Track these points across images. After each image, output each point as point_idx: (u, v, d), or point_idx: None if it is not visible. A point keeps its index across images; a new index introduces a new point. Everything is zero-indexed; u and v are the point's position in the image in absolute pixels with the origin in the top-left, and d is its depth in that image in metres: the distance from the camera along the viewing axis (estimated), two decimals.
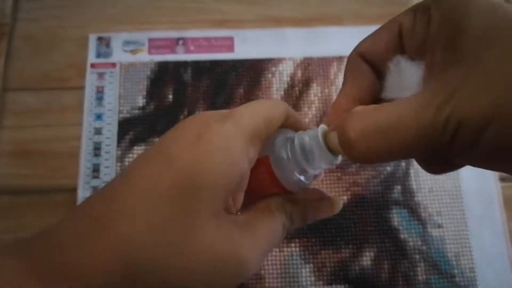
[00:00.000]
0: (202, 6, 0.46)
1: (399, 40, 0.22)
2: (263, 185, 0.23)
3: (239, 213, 0.22)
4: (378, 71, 0.23)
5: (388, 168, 0.41)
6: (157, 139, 0.40)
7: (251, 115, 0.22)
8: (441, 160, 0.22)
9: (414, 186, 0.41)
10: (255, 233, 0.21)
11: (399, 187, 0.41)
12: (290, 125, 0.24)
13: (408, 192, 0.41)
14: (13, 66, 0.44)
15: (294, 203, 0.24)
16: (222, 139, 0.20)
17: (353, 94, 0.23)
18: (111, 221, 0.18)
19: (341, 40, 0.45)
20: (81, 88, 0.43)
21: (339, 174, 0.41)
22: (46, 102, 0.43)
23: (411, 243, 0.39)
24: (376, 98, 0.23)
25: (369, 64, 0.23)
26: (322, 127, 0.23)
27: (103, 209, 0.19)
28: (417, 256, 0.39)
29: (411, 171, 0.41)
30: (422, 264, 0.39)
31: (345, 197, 0.40)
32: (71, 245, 0.18)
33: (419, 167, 0.40)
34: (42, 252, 0.18)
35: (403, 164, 0.41)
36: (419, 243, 0.39)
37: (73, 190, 0.40)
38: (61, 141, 0.41)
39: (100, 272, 0.18)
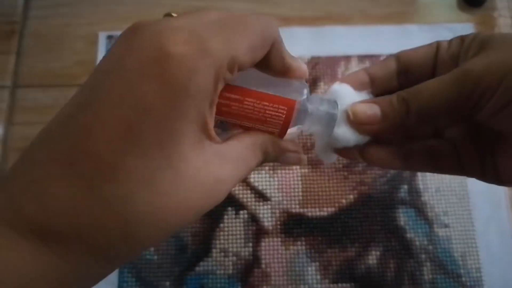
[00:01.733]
0: (210, 5, 0.46)
1: (435, 52, 0.26)
2: (272, 122, 0.23)
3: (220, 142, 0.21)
4: (406, 73, 0.27)
5: None
6: None
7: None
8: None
9: (421, 186, 0.41)
10: (237, 168, 0.21)
11: (405, 186, 0.41)
12: (274, 54, 0.22)
13: (414, 192, 0.41)
14: (23, 63, 0.44)
15: (275, 147, 0.24)
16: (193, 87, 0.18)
17: (372, 73, 0.27)
18: (102, 182, 0.17)
19: (349, 39, 0.45)
20: None
21: (345, 173, 0.41)
22: (55, 99, 0.43)
23: (417, 243, 0.39)
24: (383, 90, 0.27)
25: (400, 66, 0.27)
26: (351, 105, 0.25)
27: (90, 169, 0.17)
28: (423, 256, 0.39)
29: None
30: (428, 263, 0.39)
31: (351, 196, 0.40)
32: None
33: None
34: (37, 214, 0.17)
35: None
36: (426, 242, 0.39)
37: None
38: None
39: (100, 229, 0.17)
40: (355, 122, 0.24)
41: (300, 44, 0.45)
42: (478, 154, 0.26)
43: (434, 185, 0.41)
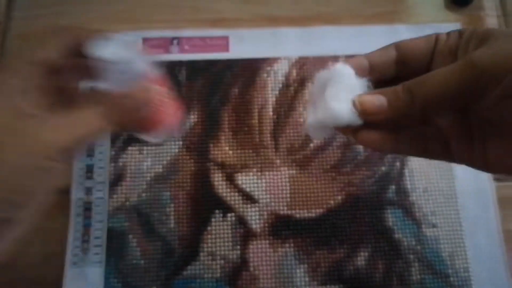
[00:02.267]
0: (197, 5, 0.46)
1: (434, 44, 0.27)
2: None
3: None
4: (403, 62, 0.28)
5: (383, 168, 0.41)
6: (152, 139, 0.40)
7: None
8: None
9: (409, 186, 0.41)
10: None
11: (393, 186, 0.41)
12: None
13: (402, 192, 0.41)
14: None
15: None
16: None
17: (372, 59, 0.28)
18: None
19: (338, 39, 0.45)
20: None
21: (333, 174, 0.41)
22: None
23: (405, 243, 0.39)
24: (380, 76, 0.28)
25: (399, 55, 0.28)
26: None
27: None
28: (412, 256, 0.39)
29: (406, 171, 0.41)
30: (416, 264, 0.39)
31: (339, 197, 0.40)
32: None
33: (413, 166, 0.41)
34: None
35: (398, 164, 0.41)
36: (414, 243, 0.39)
37: (66, 192, 0.39)
38: None
39: None
40: (362, 112, 0.25)
41: (288, 44, 0.45)
42: (467, 141, 0.26)
43: (422, 185, 0.41)
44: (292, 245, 0.39)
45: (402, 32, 0.46)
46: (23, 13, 0.45)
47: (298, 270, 0.38)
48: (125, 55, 0.26)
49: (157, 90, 0.29)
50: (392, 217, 0.40)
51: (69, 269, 0.37)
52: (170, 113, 0.30)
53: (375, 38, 0.45)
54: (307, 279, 0.38)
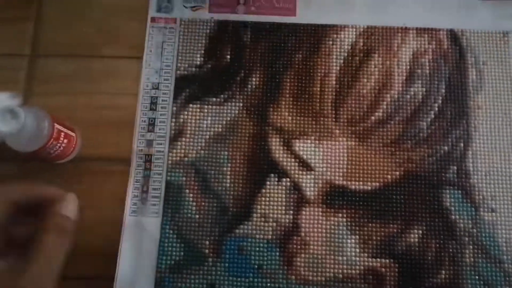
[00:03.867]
0: None
1: None
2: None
3: None
4: None
5: (446, 148, 0.40)
6: (213, 99, 0.41)
7: None
8: None
9: (471, 168, 0.40)
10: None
11: (455, 167, 0.40)
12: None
13: (463, 174, 0.40)
14: (43, 31, 0.43)
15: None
16: None
17: None
18: None
19: (409, 9, 0.43)
20: (138, 46, 0.43)
21: (393, 149, 0.40)
22: (74, 69, 0.43)
23: (461, 225, 0.39)
24: None
25: None
26: None
27: None
28: (467, 239, 0.38)
29: (469, 152, 0.40)
30: (471, 246, 0.38)
31: (397, 173, 0.40)
32: None
33: (477, 148, 0.40)
34: None
35: (462, 144, 0.40)
36: (470, 225, 0.39)
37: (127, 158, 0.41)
38: (119, 95, 0.42)
39: None
40: None
41: (356, 11, 0.43)
42: None
43: (485, 168, 0.40)
44: (345, 215, 0.39)
45: (477, 8, 0.43)
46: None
47: (349, 241, 0.39)
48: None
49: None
50: (450, 198, 0.39)
51: (128, 217, 0.39)
52: (71, 144, 0.38)
53: (447, 11, 0.43)
54: (357, 250, 0.38)
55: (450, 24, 0.43)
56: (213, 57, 0.42)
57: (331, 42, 0.43)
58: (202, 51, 0.42)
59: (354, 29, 0.43)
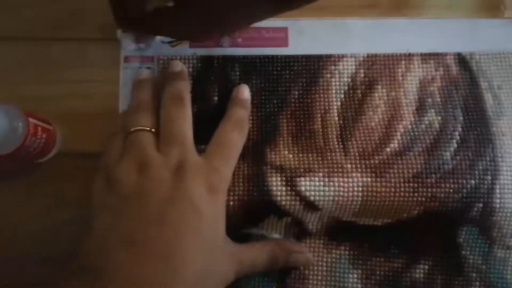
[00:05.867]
0: None
1: None
2: None
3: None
4: None
5: (472, 182, 0.35)
6: (202, 146, 0.35)
7: None
8: None
9: (498, 205, 0.35)
10: (241, 266, 0.31)
11: (480, 205, 0.35)
12: None
13: (488, 211, 0.35)
14: None
15: (281, 249, 0.34)
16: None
17: None
18: None
19: (412, 33, 0.40)
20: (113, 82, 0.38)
21: (415, 185, 0.35)
22: None
23: (470, 261, 0.35)
24: None
25: None
26: None
27: None
28: (474, 275, 0.35)
29: (497, 186, 0.35)
30: (477, 283, 0.35)
31: (415, 212, 0.35)
32: None
33: (506, 182, 0.35)
34: None
35: (489, 177, 0.36)
36: (480, 261, 0.35)
37: None
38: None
39: None
40: None
41: (354, 38, 0.39)
42: None
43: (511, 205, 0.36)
44: (347, 248, 0.35)
45: (485, 28, 0.40)
46: None
47: (351, 275, 0.35)
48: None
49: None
50: (465, 234, 0.36)
51: None
52: (51, 139, 0.35)
53: (452, 34, 0.40)
54: (359, 286, 0.35)
55: (457, 47, 0.39)
56: (198, 99, 0.37)
57: (329, 75, 0.38)
58: None
59: (353, 59, 0.39)
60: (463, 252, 0.35)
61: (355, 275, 0.35)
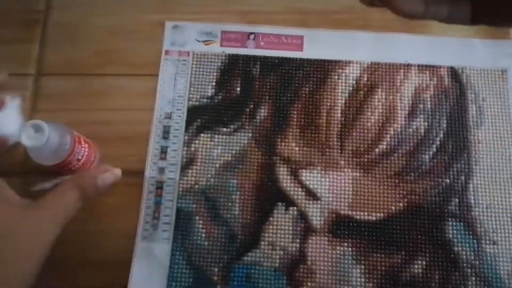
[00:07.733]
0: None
1: None
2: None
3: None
4: None
5: (447, 180, 0.41)
6: (223, 129, 0.42)
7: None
8: None
9: (472, 201, 0.41)
10: (56, 216, 0.28)
11: (456, 200, 0.41)
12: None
13: (465, 206, 0.41)
14: (46, 52, 0.46)
15: (83, 177, 0.31)
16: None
17: None
18: None
19: (411, 48, 0.45)
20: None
21: (396, 181, 0.41)
22: (76, 87, 0.45)
23: (464, 257, 0.40)
24: None
25: None
26: None
27: None
28: (469, 271, 0.39)
29: (470, 185, 0.41)
30: (473, 278, 0.39)
31: (401, 204, 0.41)
32: None
33: (478, 182, 0.41)
34: None
35: (463, 177, 0.41)
36: (472, 257, 0.40)
37: (140, 172, 0.42)
38: (130, 125, 0.44)
39: None
40: None
41: (361, 48, 0.46)
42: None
43: (485, 202, 0.41)
44: (350, 245, 0.40)
45: (476, 46, 0.46)
46: (61, 2, 0.48)
47: (354, 270, 0.39)
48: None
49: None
50: (452, 230, 0.40)
51: (139, 243, 0.40)
52: (92, 156, 0.39)
53: (447, 49, 0.46)
54: (362, 279, 0.39)
55: (451, 61, 0.45)
56: (223, 89, 0.44)
57: (336, 77, 0.45)
58: (214, 83, 0.44)
59: (359, 65, 0.45)
60: (455, 248, 0.40)
61: (358, 270, 0.39)
